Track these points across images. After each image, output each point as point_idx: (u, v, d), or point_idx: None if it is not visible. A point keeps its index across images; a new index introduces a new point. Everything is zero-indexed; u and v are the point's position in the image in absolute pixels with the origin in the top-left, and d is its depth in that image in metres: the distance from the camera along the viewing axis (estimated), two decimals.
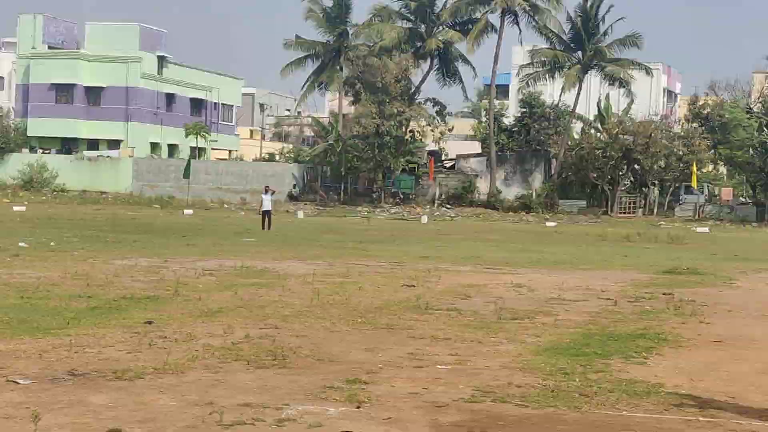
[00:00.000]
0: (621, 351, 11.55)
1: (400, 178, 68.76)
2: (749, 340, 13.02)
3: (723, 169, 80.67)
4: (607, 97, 72.29)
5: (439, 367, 10.38)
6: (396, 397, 8.87)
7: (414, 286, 18.40)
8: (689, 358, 11.35)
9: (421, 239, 35.48)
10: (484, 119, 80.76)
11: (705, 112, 71.21)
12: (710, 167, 76.57)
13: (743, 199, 72.55)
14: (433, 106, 73.02)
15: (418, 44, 71.39)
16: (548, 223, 54.36)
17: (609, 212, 64.95)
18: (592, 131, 70.15)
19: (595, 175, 66.03)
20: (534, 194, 66.73)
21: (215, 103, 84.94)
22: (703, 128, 69.22)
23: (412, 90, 71.35)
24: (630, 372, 10.30)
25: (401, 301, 15.96)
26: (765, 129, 64.34)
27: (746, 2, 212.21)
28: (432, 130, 70.01)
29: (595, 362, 10.76)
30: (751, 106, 72.52)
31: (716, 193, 74.97)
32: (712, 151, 68.70)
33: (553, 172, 68.94)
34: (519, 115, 75.38)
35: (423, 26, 71.65)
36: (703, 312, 15.79)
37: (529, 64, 71.09)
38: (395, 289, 17.93)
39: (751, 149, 65.52)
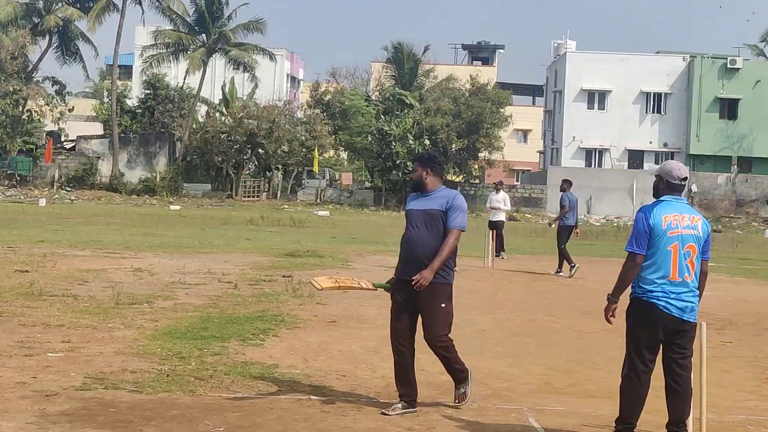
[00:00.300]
0: (239, 334, 11.60)
1: (16, 159, 65.83)
2: (361, 319, 13.49)
3: (344, 155, 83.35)
4: (232, 81, 72.72)
5: (50, 354, 9.97)
6: (2, 388, 8.43)
7: (27, 271, 17.62)
8: (305, 339, 11.59)
9: (38, 223, 34.14)
10: (106, 100, 78.97)
11: (326, 98, 73.19)
12: (332, 152, 78.95)
13: (368, 184, 75.35)
14: (52, 85, 70.56)
15: (36, 20, 68.66)
16: (172, 207, 53.95)
17: (233, 196, 65.43)
18: (217, 115, 70.36)
19: (219, 159, 66.25)
20: (158, 177, 66.04)
21: None
22: (325, 114, 71.19)
23: (30, 68, 68.59)
24: (246, 354, 10.37)
25: (13, 287, 15.22)
26: (382, 116, 67.03)
27: None
28: (51, 110, 67.49)
29: (212, 345, 10.74)
30: (370, 94, 75.36)
31: (337, 177, 77.41)
32: (333, 136, 70.79)
33: (177, 155, 68.53)
34: (143, 96, 74.29)
35: (41, 2, 68.99)
36: (320, 294, 16.16)
37: (152, 45, 70.26)
38: (7, 274, 17.08)
39: (369, 136, 68.06)
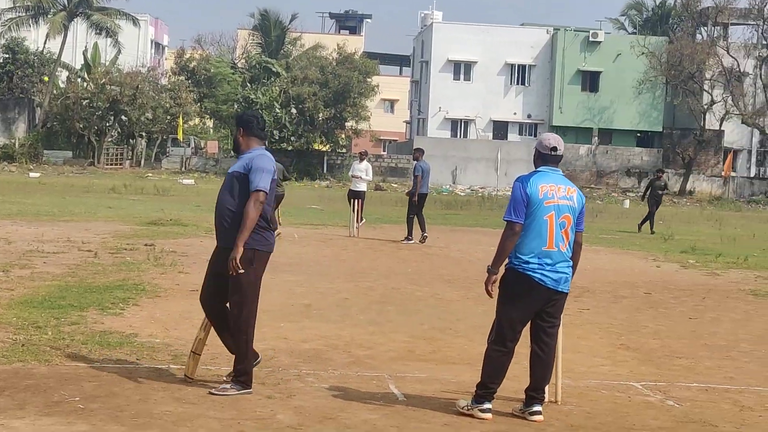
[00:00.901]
0: (98, 302, 11.38)
1: None
2: None
3: (209, 123, 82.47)
4: (95, 46, 71.17)
5: None
6: None
7: None
8: (166, 308, 11.43)
9: None
10: None
11: (192, 65, 72.21)
12: (197, 120, 78.01)
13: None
14: None
15: None
16: (32, 174, 52.64)
17: (96, 163, 64.20)
18: (79, 81, 68.81)
19: (81, 126, 64.87)
20: (17, 144, 64.34)
21: None
22: (190, 81, 70.26)
23: None
24: (105, 323, 10.18)
25: None
26: (248, 84, 66.50)
27: None
28: None
29: (70, 315, 10.51)
30: (236, 62, 74.67)
31: (203, 145, 76.59)
32: (199, 104, 69.94)
33: (37, 121, 66.84)
34: (1, 61, 72.11)
35: None
36: (183, 262, 16.01)
37: (11, 8, 68.25)
38: None
39: (235, 104, 67.52)
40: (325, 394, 7.73)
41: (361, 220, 25.57)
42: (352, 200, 25.38)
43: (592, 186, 67.67)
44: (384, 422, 6.93)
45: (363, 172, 25.97)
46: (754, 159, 74.53)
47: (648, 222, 31.07)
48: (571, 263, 7.36)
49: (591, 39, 72.07)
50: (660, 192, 31.81)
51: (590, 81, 72.62)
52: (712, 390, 8.54)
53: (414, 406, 7.48)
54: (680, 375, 9.14)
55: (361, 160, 26.43)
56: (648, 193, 32.23)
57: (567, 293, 7.39)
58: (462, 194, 59.32)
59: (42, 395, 7.25)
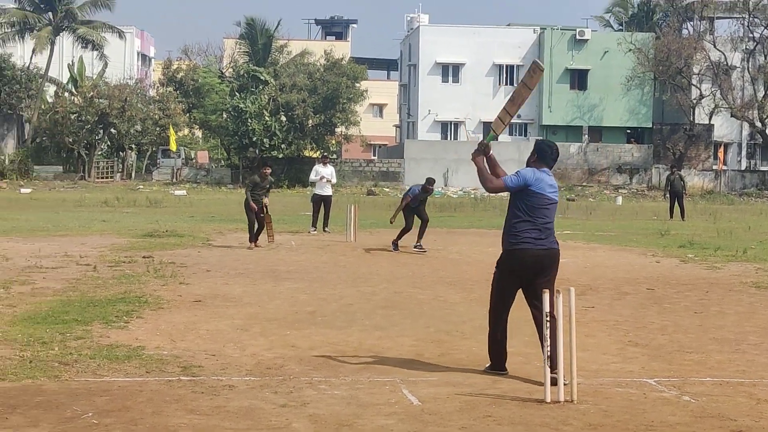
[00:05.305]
0: (101, 316, 11.30)
1: None
2: (227, 298, 13.30)
3: (199, 133, 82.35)
4: (81, 60, 71.03)
5: None
6: None
7: None
8: (170, 320, 11.36)
9: None
10: None
11: (179, 76, 72.09)
12: (186, 131, 77.89)
13: (225, 162, 74.63)
14: None
15: None
16: (23, 190, 52.48)
17: (86, 177, 64.05)
18: (66, 95, 68.63)
19: (71, 140, 64.75)
20: (7, 160, 64.15)
21: None
22: (178, 92, 70.16)
23: None
24: (111, 337, 10.10)
25: None
26: (237, 93, 66.39)
27: None
28: None
29: (75, 329, 10.43)
30: (223, 71, 74.55)
31: (193, 156, 76.48)
32: (188, 114, 69.80)
33: (26, 137, 66.67)
34: None
35: None
36: (183, 273, 15.94)
37: None
38: None
39: (224, 113, 67.41)
40: (338, 401, 7.67)
41: (327, 227, 26.07)
42: (318, 204, 26.01)
43: (584, 184, 67.72)
44: (401, 427, 6.86)
45: (329, 175, 26.46)
46: (744, 152, 74.63)
47: (679, 210, 35.61)
48: None
49: (578, 37, 72.13)
50: (681, 183, 35.99)
51: (578, 79, 72.68)
52: (726, 384, 8.49)
53: (429, 410, 7.42)
54: (692, 370, 9.08)
55: (325, 164, 26.83)
56: (668, 187, 36.52)
57: None
58: (454, 196, 59.26)
59: (54, 411, 7.18)
